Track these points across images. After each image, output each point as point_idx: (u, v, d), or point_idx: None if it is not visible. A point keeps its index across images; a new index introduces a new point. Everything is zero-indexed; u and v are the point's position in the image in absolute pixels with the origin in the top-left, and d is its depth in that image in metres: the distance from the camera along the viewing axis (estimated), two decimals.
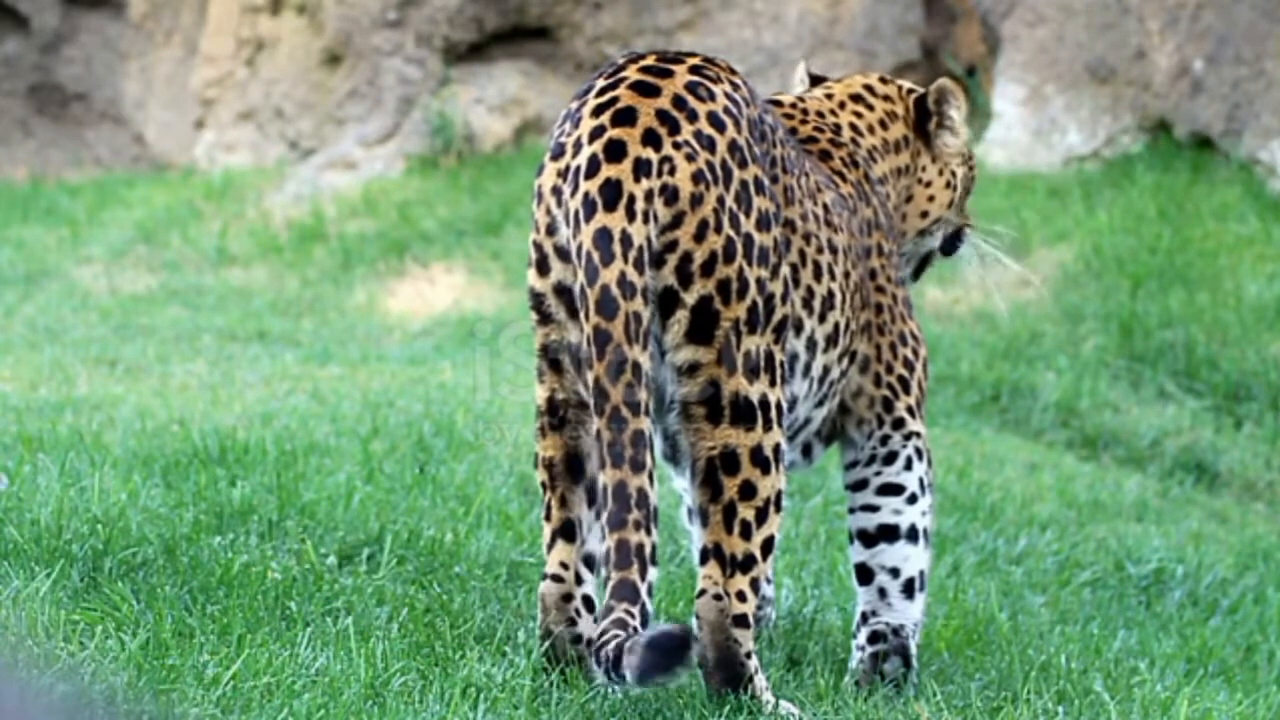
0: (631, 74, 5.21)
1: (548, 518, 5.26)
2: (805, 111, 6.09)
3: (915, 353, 5.96)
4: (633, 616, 4.91)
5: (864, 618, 5.87)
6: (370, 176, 14.46)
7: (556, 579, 5.24)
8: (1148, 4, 13.06)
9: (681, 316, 5.11)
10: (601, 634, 4.91)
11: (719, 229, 5.11)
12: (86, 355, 9.83)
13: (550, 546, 5.25)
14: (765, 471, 5.17)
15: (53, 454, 6.85)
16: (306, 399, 8.64)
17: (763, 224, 5.20)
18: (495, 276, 12.96)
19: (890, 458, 5.91)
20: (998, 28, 13.72)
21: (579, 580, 5.24)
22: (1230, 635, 7.24)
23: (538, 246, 5.19)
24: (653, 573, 4.97)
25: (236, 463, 6.98)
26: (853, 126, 6.14)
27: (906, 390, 5.92)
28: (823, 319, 5.58)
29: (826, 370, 5.65)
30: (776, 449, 5.20)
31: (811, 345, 5.56)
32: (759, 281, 5.16)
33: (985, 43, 14.38)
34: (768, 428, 5.17)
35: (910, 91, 6.27)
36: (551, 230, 5.15)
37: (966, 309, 11.80)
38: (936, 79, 6.34)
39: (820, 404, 5.72)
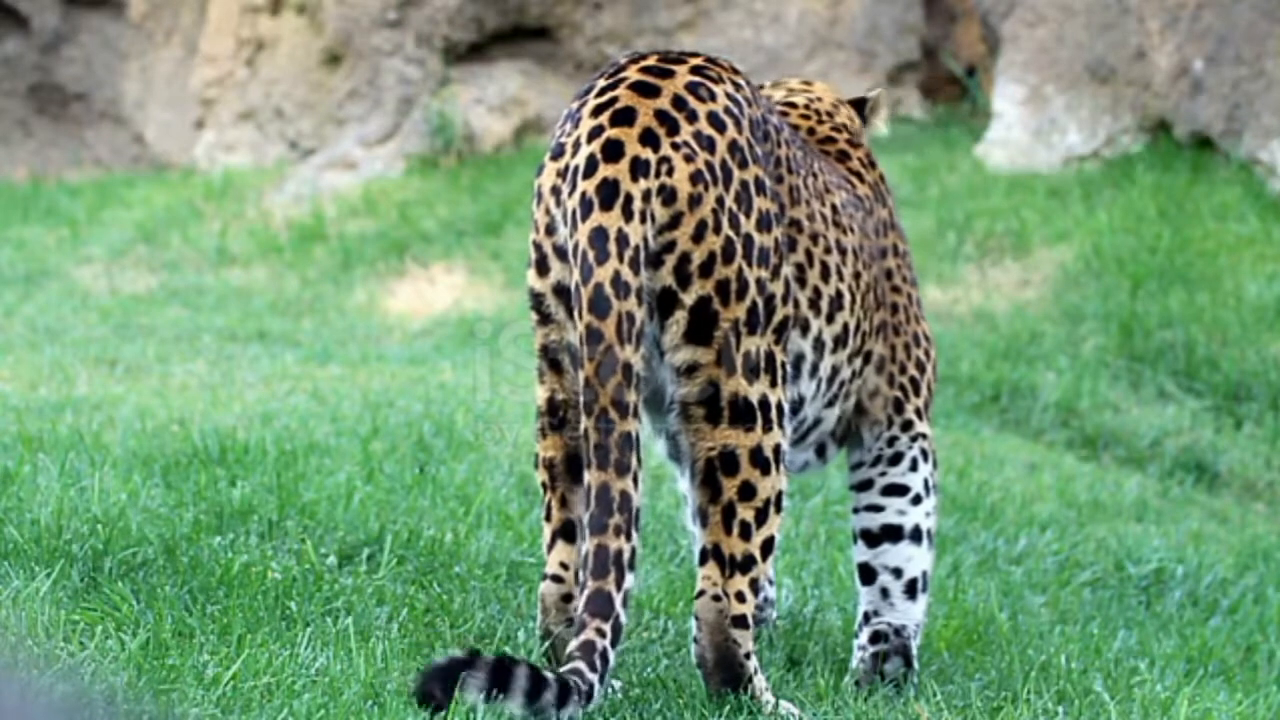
0: (632, 74, 5.20)
1: (548, 518, 5.25)
2: (819, 113, 6.09)
3: (927, 354, 5.97)
4: (603, 636, 4.88)
5: (866, 618, 5.88)
6: (370, 176, 14.47)
7: (556, 579, 5.23)
8: (1148, 4, 13.06)
9: (680, 317, 5.10)
10: (566, 659, 4.91)
11: (718, 229, 5.10)
12: (86, 355, 9.83)
13: (550, 547, 5.25)
14: (765, 472, 5.16)
15: (53, 454, 6.84)
16: (306, 399, 8.64)
17: (763, 224, 5.19)
18: (495, 276, 12.96)
19: (896, 458, 5.91)
20: (998, 28, 13.72)
21: (579, 581, 5.23)
22: (1230, 635, 7.24)
23: (537, 246, 5.19)
24: (630, 580, 4.95)
25: (236, 463, 6.98)
26: (849, 129, 6.16)
27: (917, 392, 5.94)
28: (830, 319, 5.57)
29: (835, 371, 5.64)
30: (777, 450, 5.19)
31: (819, 346, 5.55)
32: (759, 282, 5.15)
33: (985, 43, 14.38)
34: (768, 428, 5.16)
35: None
36: (551, 230, 5.14)
37: (966, 309, 11.80)
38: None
39: (831, 404, 5.71)
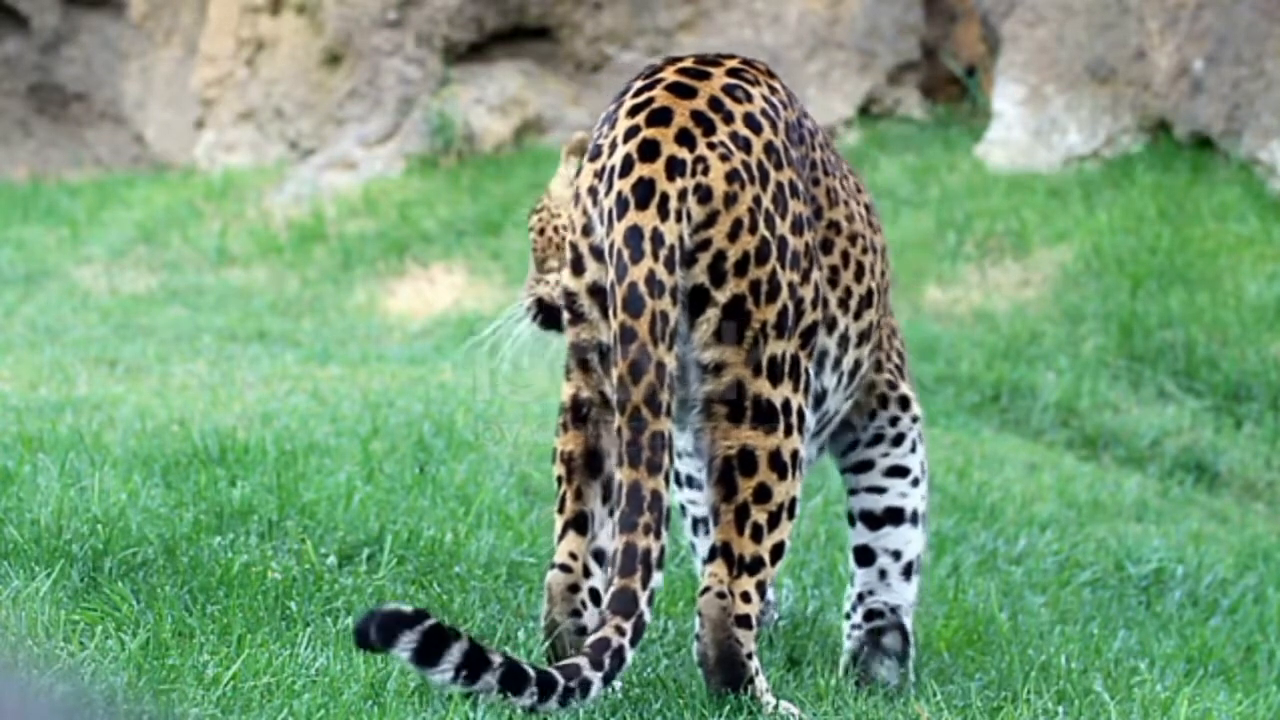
0: (669, 75, 5.24)
1: (561, 510, 5.27)
2: None
3: (903, 343, 6.04)
4: (621, 634, 4.91)
5: (860, 598, 5.89)
6: (370, 176, 14.46)
7: (564, 569, 5.24)
8: (1148, 4, 13.06)
9: (712, 315, 5.12)
10: (575, 654, 4.93)
11: (754, 229, 5.12)
12: (86, 355, 9.82)
13: (561, 537, 5.26)
14: (782, 476, 5.17)
15: (53, 454, 6.84)
16: (306, 399, 8.63)
17: (797, 228, 5.21)
18: (495, 276, 12.96)
19: (899, 439, 5.93)
20: (998, 28, 13.72)
21: (587, 573, 5.24)
22: (1230, 635, 7.24)
23: (573, 246, 5.21)
24: (657, 578, 4.97)
25: (236, 463, 6.98)
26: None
27: (904, 376, 5.99)
28: (858, 317, 5.60)
29: (857, 365, 5.68)
30: (794, 455, 5.19)
31: (844, 341, 5.57)
32: (790, 285, 5.17)
33: (985, 43, 14.38)
34: (788, 432, 5.17)
35: None
36: (587, 231, 5.17)
37: (966, 309, 11.80)
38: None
39: (849, 398, 5.76)
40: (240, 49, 15.34)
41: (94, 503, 6.11)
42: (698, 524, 5.89)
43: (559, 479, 5.28)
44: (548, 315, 6.02)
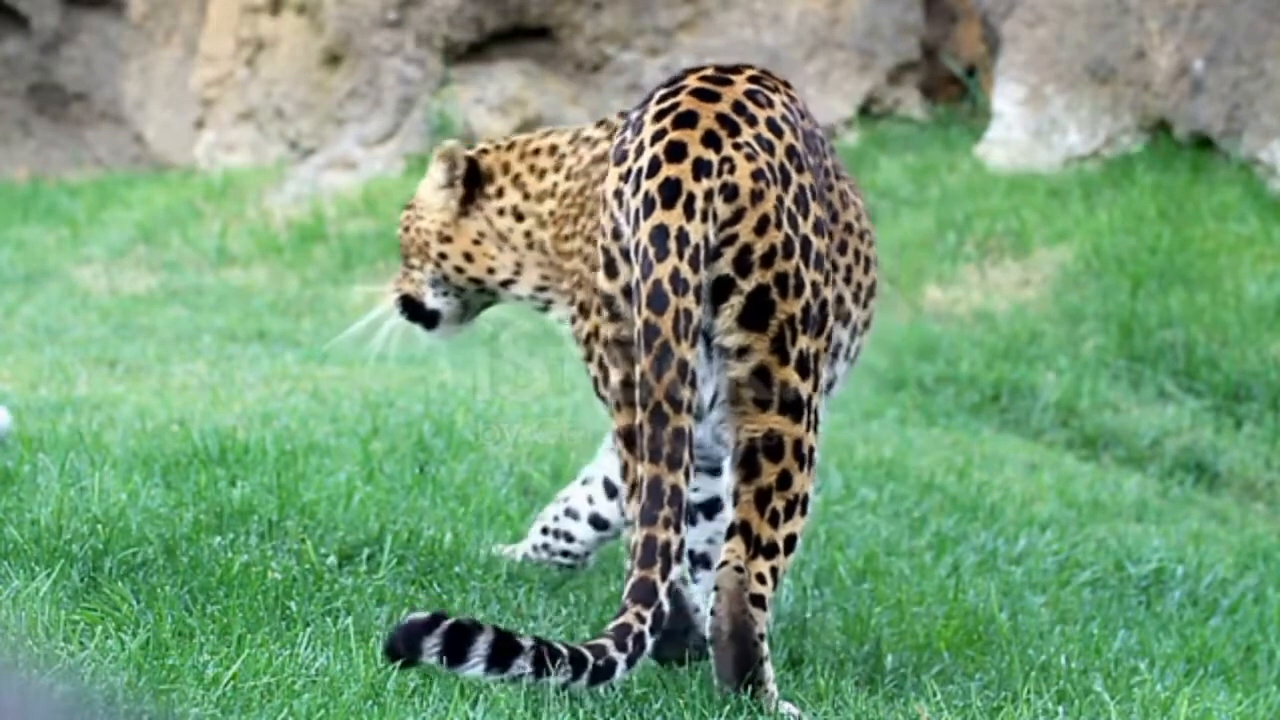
0: (692, 82, 5.35)
1: (623, 477, 5.36)
2: None
3: None
4: (642, 621, 4.98)
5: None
6: (370, 176, 14.46)
7: None
8: (1148, 4, 13.06)
9: (736, 302, 5.19)
10: (599, 637, 4.97)
11: (779, 225, 5.21)
12: (86, 355, 9.82)
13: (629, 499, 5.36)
14: (801, 467, 5.25)
15: (53, 454, 6.84)
16: (306, 399, 8.64)
17: (818, 230, 5.32)
18: None
19: None
20: (998, 28, 13.72)
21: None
22: (1230, 635, 7.24)
23: (605, 251, 5.30)
24: (676, 570, 5.05)
25: (236, 463, 6.98)
26: None
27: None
28: (865, 306, 5.78)
29: (859, 350, 5.83)
30: (812, 451, 5.28)
31: (855, 331, 5.73)
32: (814, 285, 5.26)
33: (985, 43, 14.38)
34: (809, 428, 5.26)
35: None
36: (617, 234, 5.26)
37: (966, 309, 11.80)
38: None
39: (848, 383, 5.90)
40: (240, 49, 15.34)
41: (94, 503, 6.11)
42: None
43: (622, 453, 5.35)
44: (413, 311, 6.34)
